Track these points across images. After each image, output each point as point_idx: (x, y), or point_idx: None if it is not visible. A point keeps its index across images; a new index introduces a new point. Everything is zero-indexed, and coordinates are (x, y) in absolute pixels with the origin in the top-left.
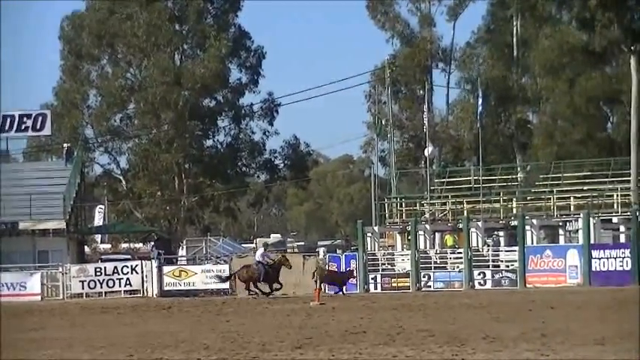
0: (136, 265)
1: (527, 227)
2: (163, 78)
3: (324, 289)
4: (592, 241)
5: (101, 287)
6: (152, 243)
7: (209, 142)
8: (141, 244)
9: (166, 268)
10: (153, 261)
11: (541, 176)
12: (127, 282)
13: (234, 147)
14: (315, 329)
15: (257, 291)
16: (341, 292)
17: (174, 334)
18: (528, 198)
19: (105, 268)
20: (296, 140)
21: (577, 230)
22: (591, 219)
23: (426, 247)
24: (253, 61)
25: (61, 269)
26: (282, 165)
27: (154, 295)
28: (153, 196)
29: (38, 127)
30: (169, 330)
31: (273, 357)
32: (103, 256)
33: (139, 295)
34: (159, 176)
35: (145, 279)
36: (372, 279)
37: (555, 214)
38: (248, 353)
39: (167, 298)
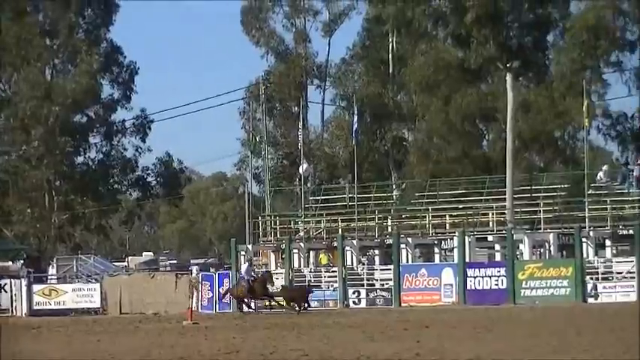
0: (5, 284)
1: (403, 245)
2: (33, 93)
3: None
4: (467, 260)
5: None
6: (21, 261)
7: (80, 159)
8: (10, 263)
9: (36, 287)
10: (22, 280)
11: (416, 194)
12: None
13: (106, 164)
14: (188, 349)
15: (250, 308)
16: (304, 308)
17: (43, 354)
18: (403, 216)
19: None
20: (169, 157)
21: (452, 249)
22: (466, 237)
23: (300, 266)
24: (125, 77)
25: None
26: (155, 182)
27: (24, 315)
28: (22, 214)
29: None
30: (38, 350)
31: None
32: None
33: (7, 315)
34: (28, 193)
35: (14, 298)
36: None
37: (430, 232)
38: None
39: (37, 318)
